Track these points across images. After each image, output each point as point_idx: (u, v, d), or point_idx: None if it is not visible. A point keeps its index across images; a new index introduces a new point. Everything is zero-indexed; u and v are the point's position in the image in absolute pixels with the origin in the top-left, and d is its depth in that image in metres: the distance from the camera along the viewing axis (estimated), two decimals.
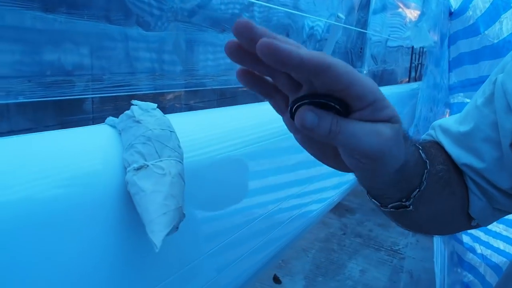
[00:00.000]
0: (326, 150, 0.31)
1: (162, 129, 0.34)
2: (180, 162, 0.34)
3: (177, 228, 0.32)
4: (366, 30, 2.39)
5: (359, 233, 2.06)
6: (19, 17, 0.55)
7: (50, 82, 0.62)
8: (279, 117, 0.30)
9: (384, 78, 3.12)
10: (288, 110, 0.27)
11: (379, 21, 2.73)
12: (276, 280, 1.60)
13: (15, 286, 0.27)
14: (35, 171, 0.29)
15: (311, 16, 1.46)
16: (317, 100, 0.26)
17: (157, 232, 0.29)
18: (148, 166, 0.32)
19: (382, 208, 0.37)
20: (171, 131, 0.35)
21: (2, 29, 0.54)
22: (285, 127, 0.29)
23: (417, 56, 3.57)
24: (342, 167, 0.32)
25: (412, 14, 2.99)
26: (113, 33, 0.73)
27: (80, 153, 0.32)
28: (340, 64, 0.25)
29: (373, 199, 0.37)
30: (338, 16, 1.10)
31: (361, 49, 2.52)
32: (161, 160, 0.32)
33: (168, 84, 0.92)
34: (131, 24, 0.78)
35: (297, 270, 1.69)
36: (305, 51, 0.24)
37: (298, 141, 0.31)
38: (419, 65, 3.53)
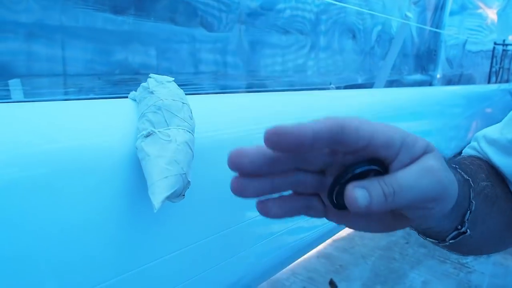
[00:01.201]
0: (371, 219, 0.28)
1: (174, 100, 0.35)
2: (189, 132, 0.35)
3: (184, 195, 0.33)
4: (441, 31, 2.26)
5: (423, 243, 1.95)
6: (92, 19, 0.60)
7: (118, 80, 0.67)
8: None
9: (461, 83, 2.92)
10: (328, 205, 0.25)
11: (457, 22, 2.57)
12: (332, 285, 1.57)
13: (34, 243, 0.29)
14: (65, 135, 0.32)
15: (377, 14, 1.41)
16: (351, 174, 0.23)
17: (157, 194, 0.30)
18: (155, 133, 0.33)
19: (440, 244, 0.34)
20: (183, 103, 0.36)
21: (76, 30, 0.59)
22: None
23: (498, 60, 3.30)
24: (384, 228, 0.29)
25: (494, 14, 2.77)
26: (178, 34, 0.76)
27: (102, 123, 0.35)
28: (352, 120, 0.23)
29: (428, 238, 0.34)
30: (405, 15, 1.05)
31: (434, 51, 2.38)
32: (169, 128, 0.33)
33: (230, 84, 0.94)
34: (196, 25, 0.80)
35: (355, 276, 1.64)
36: (313, 123, 0.22)
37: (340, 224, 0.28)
38: (501, 69, 3.26)
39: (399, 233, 2.02)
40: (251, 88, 1.03)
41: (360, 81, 1.58)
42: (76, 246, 0.32)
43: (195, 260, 0.42)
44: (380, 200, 0.24)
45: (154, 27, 0.71)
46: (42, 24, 0.54)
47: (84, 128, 0.34)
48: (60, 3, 0.55)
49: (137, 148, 0.33)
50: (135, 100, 0.39)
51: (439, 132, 1.46)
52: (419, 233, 0.35)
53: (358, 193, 0.23)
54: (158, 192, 0.31)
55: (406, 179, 0.24)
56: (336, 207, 0.24)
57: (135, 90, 0.40)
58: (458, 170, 0.32)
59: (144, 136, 0.33)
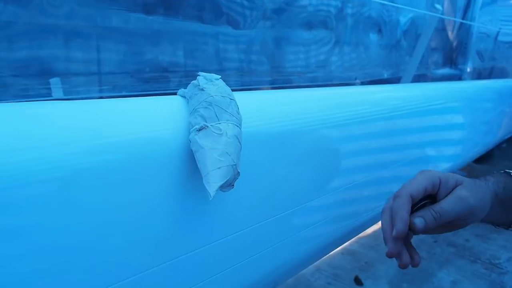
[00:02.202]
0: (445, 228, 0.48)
1: (223, 96, 0.39)
2: (237, 126, 0.38)
3: (233, 185, 0.36)
4: (471, 22, 2.20)
5: (452, 242, 1.92)
6: (124, 19, 0.63)
7: (148, 78, 0.69)
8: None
9: (492, 77, 2.84)
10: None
11: (489, 13, 2.49)
12: (358, 281, 1.57)
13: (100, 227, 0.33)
14: (119, 131, 0.36)
15: (404, 7, 1.39)
16: (415, 207, 0.46)
17: (212, 183, 0.34)
18: (208, 127, 0.36)
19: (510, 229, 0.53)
20: (231, 99, 0.39)
21: (109, 30, 0.61)
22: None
23: None
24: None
25: None
26: (204, 32, 0.78)
27: (154, 118, 0.38)
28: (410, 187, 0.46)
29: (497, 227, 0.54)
30: (434, 7, 1.04)
31: (464, 44, 2.32)
32: (219, 123, 0.37)
33: (255, 80, 0.96)
34: (222, 23, 0.82)
35: (381, 274, 1.63)
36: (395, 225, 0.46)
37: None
38: None
39: None
40: (275, 84, 1.04)
41: (386, 75, 1.56)
42: (143, 227, 0.36)
43: (237, 248, 0.45)
44: (431, 221, 0.43)
45: (182, 25, 0.73)
46: (79, 26, 0.57)
47: (140, 122, 0.37)
48: (96, 5, 0.58)
49: (190, 141, 0.37)
50: (184, 97, 0.42)
51: (471, 127, 1.44)
52: (486, 223, 0.53)
53: (416, 221, 0.44)
54: (213, 181, 0.34)
55: (446, 206, 0.44)
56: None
57: (184, 88, 0.43)
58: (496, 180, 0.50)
59: (197, 130, 0.37)
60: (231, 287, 0.45)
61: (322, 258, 1.78)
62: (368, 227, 0.80)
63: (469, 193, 0.44)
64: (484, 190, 0.47)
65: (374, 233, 2.00)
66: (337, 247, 0.68)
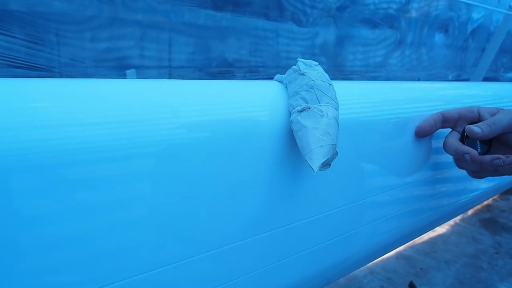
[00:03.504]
0: None
1: (323, 81, 0.41)
2: (336, 109, 0.40)
3: (330, 165, 0.37)
4: None
5: None
6: (195, 15, 0.65)
7: (215, 72, 0.72)
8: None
9: None
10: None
11: None
12: (413, 287, 1.52)
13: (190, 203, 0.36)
14: (216, 109, 0.39)
15: (475, 4, 1.33)
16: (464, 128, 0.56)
17: (315, 160, 0.36)
18: (310, 108, 0.39)
19: None
20: (329, 84, 0.41)
21: (181, 25, 0.64)
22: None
23: None
24: None
25: None
26: (269, 29, 0.79)
27: (254, 101, 0.40)
28: (443, 111, 0.58)
29: None
30: (510, 6, 0.98)
31: None
32: (320, 105, 0.38)
33: None
34: (286, 20, 0.83)
35: (437, 281, 1.57)
36: (430, 118, 0.54)
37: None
38: None
39: (488, 242, 1.89)
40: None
41: (450, 77, 1.49)
42: (243, 198, 0.40)
43: (324, 228, 0.47)
44: (487, 128, 0.50)
45: (249, 22, 0.75)
46: (153, 21, 0.61)
47: (240, 103, 0.40)
48: (170, 1, 0.61)
49: (292, 122, 0.40)
50: (281, 82, 0.44)
51: None
52: None
53: (474, 128, 0.51)
54: (316, 158, 0.36)
55: (496, 117, 0.52)
56: (464, 140, 0.54)
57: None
58: None
59: (299, 111, 0.39)
60: (308, 269, 0.47)
61: (375, 261, 1.74)
62: (441, 224, 0.78)
63: None
64: None
65: (431, 239, 1.92)
66: (408, 241, 0.68)
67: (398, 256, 1.76)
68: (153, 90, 0.36)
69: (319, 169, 0.36)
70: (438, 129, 0.57)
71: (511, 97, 1.01)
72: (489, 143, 0.55)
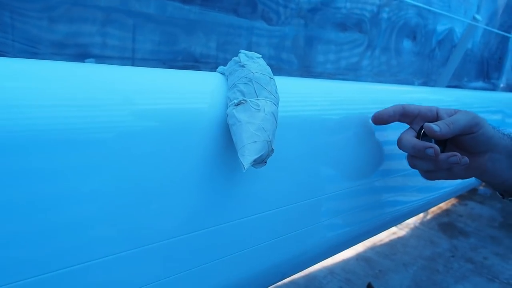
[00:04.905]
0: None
1: (263, 74, 0.39)
2: (275, 104, 0.39)
3: (266, 162, 0.36)
4: (510, 35, 2.13)
5: (471, 258, 1.87)
6: (162, 7, 0.63)
7: (180, 67, 0.70)
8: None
9: None
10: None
11: None
12: None
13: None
14: (156, 99, 0.37)
15: (444, 13, 1.36)
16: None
17: (247, 156, 0.34)
18: (246, 101, 0.37)
19: None
20: (270, 77, 0.40)
21: (147, 16, 0.62)
22: None
23: None
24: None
25: None
26: (238, 25, 0.78)
27: (193, 91, 0.39)
28: (404, 104, 0.57)
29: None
30: (474, 18, 1.01)
31: (499, 58, 2.25)
32: (258, 99, 0.37)
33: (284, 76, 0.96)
34: (256, 18, 0.82)
35: (394, 283, 1.61)
36: (389, 108, 0.56)
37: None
38: None
39: (445, 245, 1.96)
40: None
41: (416, 84, 1.53)
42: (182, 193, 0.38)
43: (263, 228, 0.46)
44: (445, 127, 0.48)
45: (217, 17, 0.73)
46: (117, 9, 0.58)
47: (177, 93, 0.38)
48: None
49: (228, 115, 0.38)
50: (222, 74, 0.42)
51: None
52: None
53: (433, 126, 0.49)
54: (248, 154, 0.35)
55: (454, 117, 0.50)
56: (420, 138, 0.51)
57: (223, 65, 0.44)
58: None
59: (235, 104, 0.37)
60: (252, 267, 0.46)
61: (336, 262, 1.76)
62: (401, 222, 0.79)
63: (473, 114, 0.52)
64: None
65: (391, 242, 1.97)
66: (367, 239, 0.68)
67: (358, 257, 1.79)
68: (82, 74, 0.33)
69: (251, 166, 0.35)
70: (395, 121, 0.55)
71: (473, 104, 1.04)
72: (444, 144, 0.53)
